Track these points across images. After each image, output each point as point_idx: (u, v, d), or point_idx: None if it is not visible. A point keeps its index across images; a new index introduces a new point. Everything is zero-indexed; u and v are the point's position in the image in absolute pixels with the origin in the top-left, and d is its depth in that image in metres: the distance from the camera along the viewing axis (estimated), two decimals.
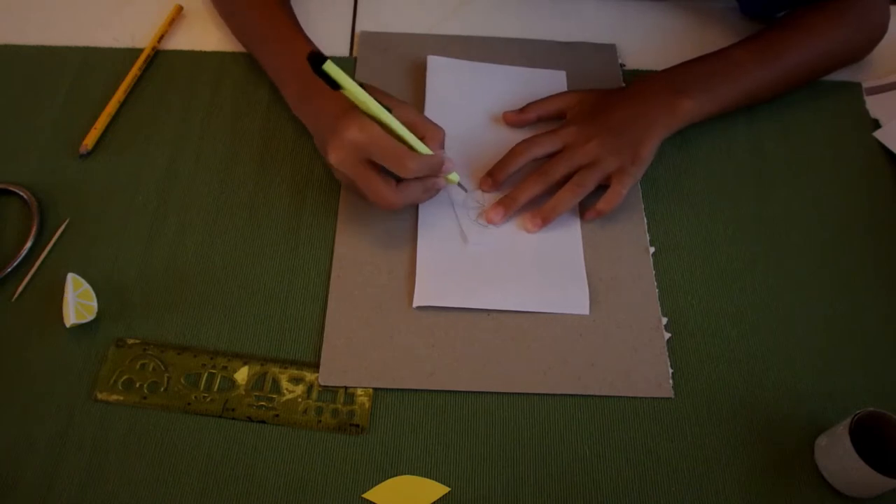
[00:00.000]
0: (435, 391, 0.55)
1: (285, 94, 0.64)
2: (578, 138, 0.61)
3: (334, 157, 0.55)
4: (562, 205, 0.61)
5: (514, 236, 0.62)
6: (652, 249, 0.62)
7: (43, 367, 0.55)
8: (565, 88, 0.71)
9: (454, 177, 0.60)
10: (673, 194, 0.61)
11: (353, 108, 0.55)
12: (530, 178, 0.61)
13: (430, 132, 0.58)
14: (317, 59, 0.49)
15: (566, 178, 0.61)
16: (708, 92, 0.64)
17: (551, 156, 0.62)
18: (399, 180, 0.56)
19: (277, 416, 0.53)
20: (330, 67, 0.50)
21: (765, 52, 0.66)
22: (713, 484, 0.52)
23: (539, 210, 0.62)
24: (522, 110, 0.67)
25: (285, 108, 0.69)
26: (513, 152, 0.62)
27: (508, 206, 0.61)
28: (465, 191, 0.63)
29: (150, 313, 0.57)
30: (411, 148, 0.55)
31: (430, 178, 0.58)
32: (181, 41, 0.74)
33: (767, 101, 0.69)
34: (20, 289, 0.58)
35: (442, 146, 0.59)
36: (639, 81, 0.66)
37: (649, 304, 0.59)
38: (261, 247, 0.61)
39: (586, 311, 0.58)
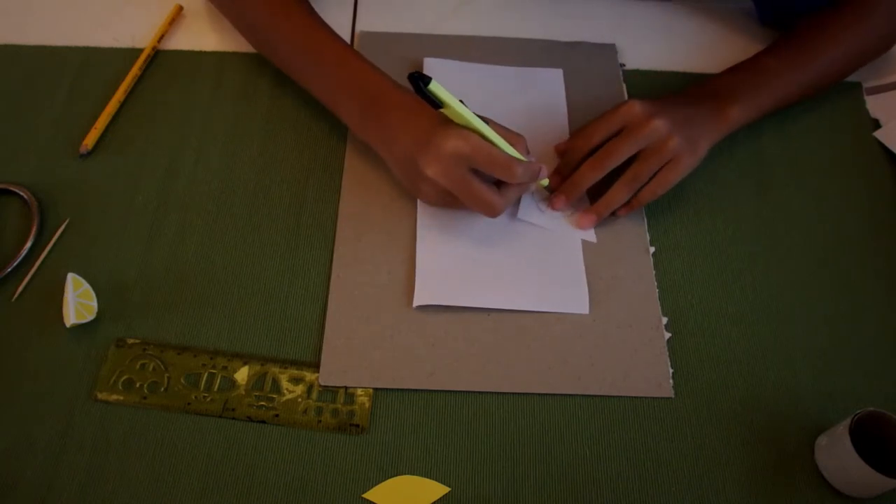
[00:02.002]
0: (435, 391, 0.55)
1: (343, 114, 0.62)
2: (642, 117, 0.59)
3: (432, 170, 0.55)
4: (616, 201, 0.61)
5: (514, 235, 0.62)
6: (652, 249, 0.62)
7: (43, 367, 0.55)
8: (562, 87, 0.71)
9: (545, 182, 0.61)
10: (673, 194, 0.61)
11: (445, 120, 0.55)
12: (590, 163, 0.60)
13: (514, 140, 0.58)
14: (420, 78, 0.50)
15: (625, 161, 0.60)
16: (751, 99, 0.64)
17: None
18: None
19: (277, 416, 0.53)
20: (436, 87, 0.50)
21: (798, 58, 0.67)
22: (713, 484, 0.52)
23: (593, 207, 0.62)
24: (575, 138, 0.63)
25: (285, 108, 0.69)
26: (575, 148, 0.62)
27: (570, 193, 0.62)
28: (550, 193, 0.63)
29: (150, 313, 0.57)
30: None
31: (524, 184, 0.58)
32: (181, 41, 0.74)
33: (801, 102, 0.69)
34: (20, 289, 0.58)
35: (527, 151, 0.59)
36: (683, 93, 0.65)
37: (649, 304, 0.59)
38: (261, 247, 0.61)
39: (586, 311, 0.58)
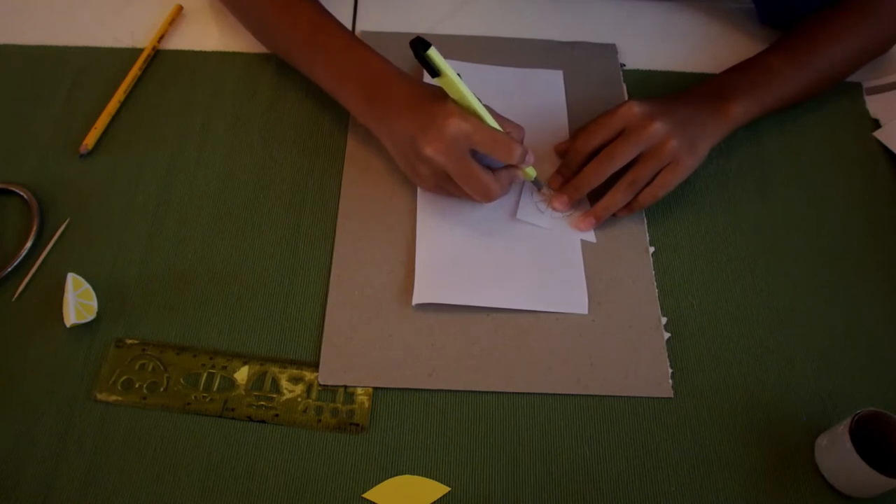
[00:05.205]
0: (435, 391, 0.55)
1: (346, 99, 0.63)
2: (642, 120, 0.59)
3: (432, 149, 0.55)
4: (615, 204, 0.61)
5: (514, 235, 0.62)
6: (652, 249, 0.62)
7: (43, 367, 0.55)
8: (562, 88, 0.71)
9: (531, 171, 0.61)
10: (673, 194, 0.61)
11: (447, 100, 0.55)
12: (592, 167, 0.60)
13: (514, 130, 0.59)
14: (421, 44, 0.51)
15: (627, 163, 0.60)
16: (752, 98, 0.64)
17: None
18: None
19: (277, 415, 0.53)
20: (434, 54, 0.51)
21: (800, 57, 0.67)
22: (713, 484, 0.52)
23: (592, 210, 0.62)
24: (577, 138, 0.63)
25: (285, 108, 0.69)
26: (575, 150, 0.62)
27: (572, 195, 0.62)
28: (539, 189, 0.63)
29: (150, 313, 0.57)
30: None
31: (515, 169, 0.59)
32: (181, 41, 0.74)
33: (804, 101, 0.69)
34: (20, 289, 0.58)
35: (522, 142, 0.59)
36: (684, 92, 0.65)
37: (649, 304, 0.59)
38: (261, 247, 0.61)
39: (585, 311, 0.58)
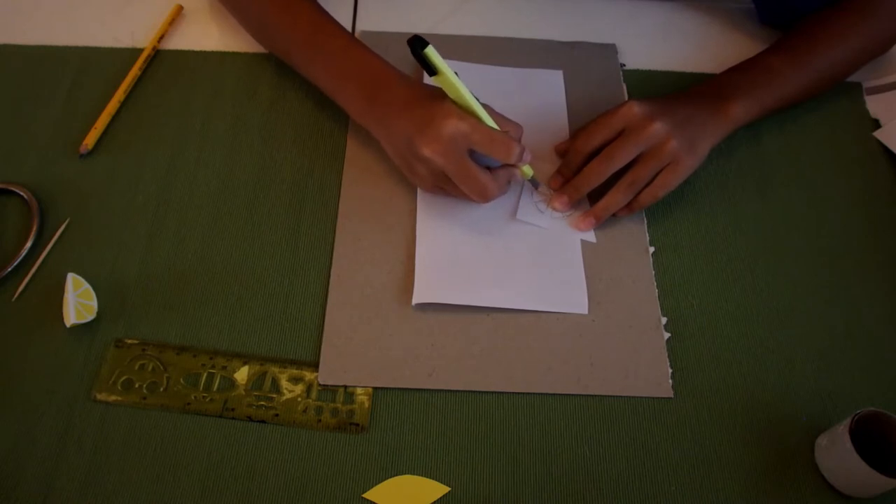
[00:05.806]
0: (435, 391, 0.55)
1: (345, 99, 0.63)
2: (642, 120, 0.59)
3: (430, 149, 0.55)
4: (615, 205, 0.61)
5: (513, 235, 0.62)
6: (652, 249, 0.62)
7: (43, 367, 0.55)
8: (562, 88, 0.71)
9: (528, 169, 0.61)
10: (673, 194, 0.61)
11: (445, 100, 0.56)
12: (592, 167, 0.60)
13: (512, 128, 0.59)
14: (419, 42, 0.51)
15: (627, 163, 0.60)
16: (753, 98, 0.64)
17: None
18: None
19: (277, 415, 0.53)
20: (431, 53, 0.51)
21: (800, 57, 0.67)
22: (713, 484, 0.52)
23: (591, 210, 0.62)
24: (577, 138, 0.63)
25: (285, 108, 0.69)
26: (575, 150, 0.62)
27: (572, 196, 0.62)
28: (536, 187, 0.64)
29: (150, 313, 0.57)
30: None
31: (513, 168, 0.59)
32: (181, 41, 0.74)
33: (804, 101, 0.69)
34: (20, 289, 0.58)
35: (520, 140, 0.59)
36: (684, 92, 0.65)
37: (649, 304, 0.59)
38: (261, 247, 0.61)
39: (585, 311, 0.58)
